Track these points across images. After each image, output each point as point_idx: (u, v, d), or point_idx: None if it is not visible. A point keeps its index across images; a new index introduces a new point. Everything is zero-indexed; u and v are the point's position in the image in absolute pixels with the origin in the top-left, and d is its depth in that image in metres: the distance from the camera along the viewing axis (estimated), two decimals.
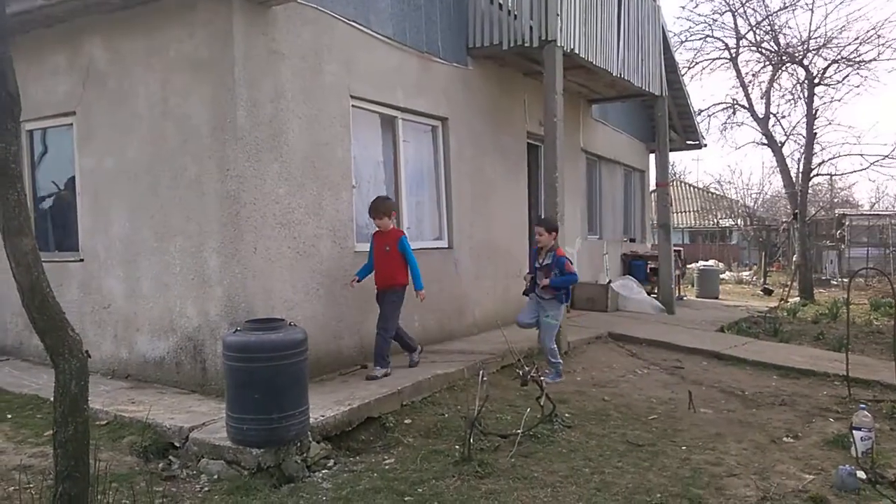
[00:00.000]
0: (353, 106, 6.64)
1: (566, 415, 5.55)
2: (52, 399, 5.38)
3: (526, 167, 9.80)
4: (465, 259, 8.28)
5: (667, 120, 11.93)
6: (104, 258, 6.33)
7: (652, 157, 14.64)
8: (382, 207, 6.19)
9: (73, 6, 5.92)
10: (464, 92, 8.30)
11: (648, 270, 13.15)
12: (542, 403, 5.24)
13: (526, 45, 8.04)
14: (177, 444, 4.67)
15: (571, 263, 6.88)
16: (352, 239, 6.61)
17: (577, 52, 8.32)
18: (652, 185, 14.71)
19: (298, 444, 4.49)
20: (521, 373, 5.24)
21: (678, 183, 36.29)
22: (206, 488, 4.20)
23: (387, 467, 4.55)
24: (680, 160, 43.94)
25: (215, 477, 4.34)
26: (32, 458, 4.47)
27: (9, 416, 5.26)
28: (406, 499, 4.03)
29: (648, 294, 12.27)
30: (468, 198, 8.39)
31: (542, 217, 7.34)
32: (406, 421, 5.33)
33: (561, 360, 6.98)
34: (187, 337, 5.82)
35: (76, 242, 6.59)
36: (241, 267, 5.52)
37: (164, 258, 5.87)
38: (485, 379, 4.90)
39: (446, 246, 8.08)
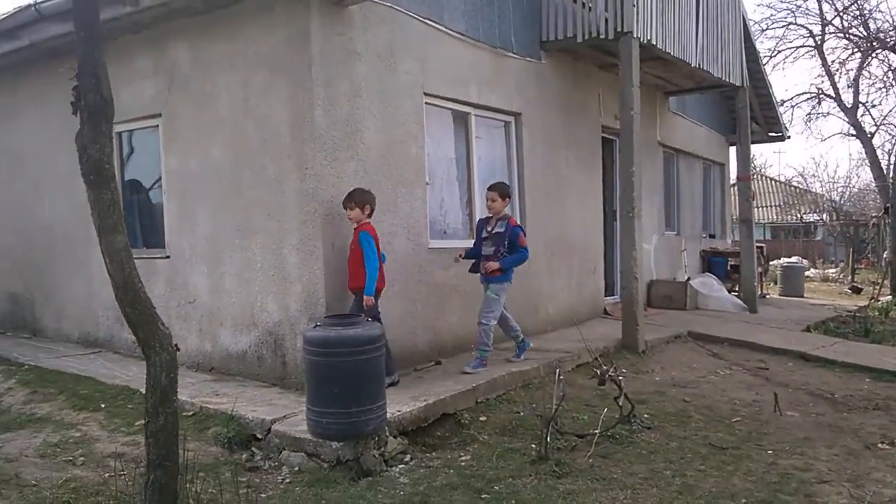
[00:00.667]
0: (426, 103, 6.66)
1: (645, 416, 5.43)
2: (142, 390, 5.62)
3: (601, 162, 9.63)
4: (539, 255, 8.20)
5: (748, 111, 11.51)
6: (189, 255, 6.56)
7: (732, 149, 14.14)
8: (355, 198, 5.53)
9: (157, 12, 6.14)
10: (537, 86, 8.21)
11: (729, 267, 12.73)
12: (620, 403, 5.13)
13: (601, 37, 7.89)
14: (259, 436, 4.79)
15: (525, 236, 6.42)
16: (426, 235, 6.64)
17: (653, 43, 8.11)
18: (732, 178, 14.22)
19: (376, 439, 4.54)
20: (598, 372, 5.15)
21: (759, 176, 35.00)
22: (288, 480, 4.30)
23: (463, 464, 4.55)
24: (760, 153, 42.47)
25: (296, 469, 4.44)
26: (125, 446, 4.67)
27: (102, 405, 5.50)
28: (483, 496, 4.02)
29: (729, 292, 11.88)
30: (541, 193, 8.30)
31: (496, 182, 6.63)
32: (481, 418, 5.32)
33: (491, 349, 6.31)
34: (268, 331, 5.97)
35: (163, 240, 6.84)
36: (318, 264, 5.62)
37: (246, 255, 6.04)
38: (561, 377, 4.83)
39: None
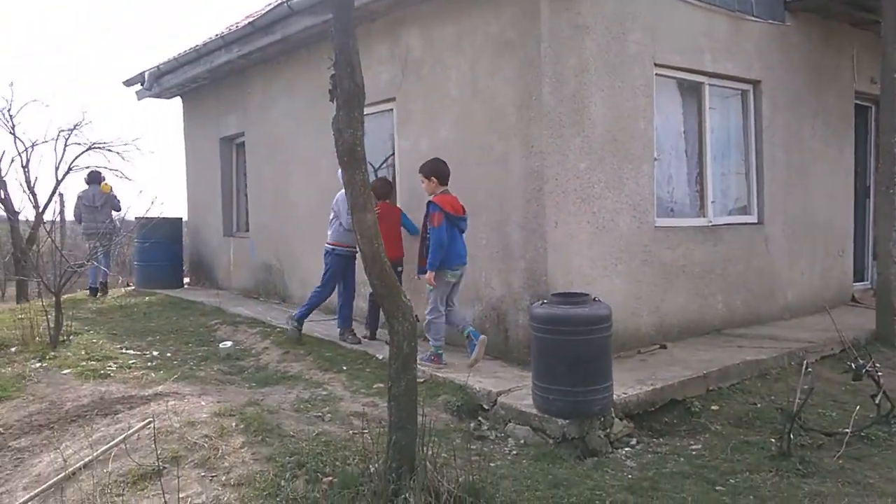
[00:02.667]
0: (656, 75, 6.38)
1: None
2: (377, 356, 6.11)
3: (852, 132, 8.60)
4: (778, 235, 7.56)
5: None
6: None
7: None
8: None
9: (392, 0, 6.48)
10: (779, 51, 7.51)
11: None
12: (877, 402, 4.60)
13: None
14: (486, 407, 4.95)
15: (442, 213, 5.57)
16: (652, 213, 6.39)
17: None
18: None
19: (602, 419, 4.50)
20: (852, 365, 4.65)
21: None
22: (514, 451, 4.40)
23: (693, 453, 4.36)
24: None
25: (521, 441, 4.53)
26: (365, 406, 5.05)
27: (344, 367, 6.00)
28: (717, 488, 3.82)
29: None
30: (781, 168, 7.61)
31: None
32: (713, 407, 5.05)
33: (441, 343, 5.81)
34: (492, 306, 6.12)
35: None
36: (542, 241, 5.65)
37: (472, 232, 6.21)
38: (809, 370, 4.42)
39: (755, 221, 7.43)
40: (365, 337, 6.79)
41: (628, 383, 5.01)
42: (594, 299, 4.56)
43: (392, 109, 7.19)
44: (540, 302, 4.65)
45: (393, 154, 7.34)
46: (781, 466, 4.04)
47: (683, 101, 6.91)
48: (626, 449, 4.49)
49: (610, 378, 4.48)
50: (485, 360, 5.90)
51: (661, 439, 4.68)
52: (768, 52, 7.37)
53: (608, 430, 4.53)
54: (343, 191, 5.57)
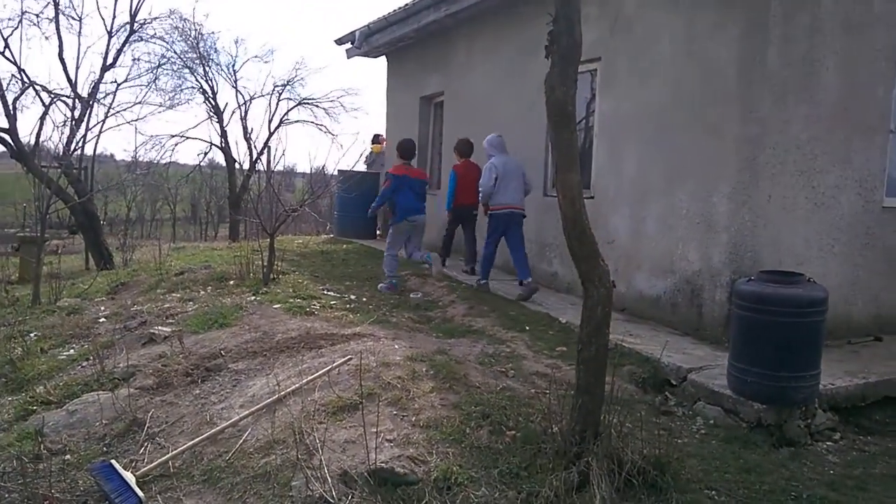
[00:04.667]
0: None
1: None
2: (560, 319, 6.10)
3: None
4: None
5: None
6: (612, 197, 6.73)
7: None
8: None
9: None
10: None
11: None
12: None
13: None
14: (673, 382, 4.78)
15: (389, 179, 7.38)
16: (880, 192, 5.76)
17: None
18: None
19: (803, 409, 4.19)
20: None
21: None
22: (703, 431, 4.22)
23: None
24: None
25: (711, 422, 4.33)
26: (547, 367, 5.06)
27: (527, 328, 6.05)
28: None
29: None
30: None
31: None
32: None
33: (395, 274, 7.53)
34: (685, 280, 5.86)
35: (588, 181, 7.12)
36: (751, 214, 5.28)
37: (671, 200, 5.96)
38: None
39: None
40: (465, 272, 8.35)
41: (836, 374, 4.63)
42: (809, 280, 4.20)
43: (596, 70, 7.00)
44: (746, 279, 4.36)
45: (588, 116, 7.17)
46: None
47: None
48: (828, 443, 4.18)
49: (818, 366, 4.14)
50: (674, 336, 5.70)
51: (869, 437, 4.31)
52: None
53: (809, 421, 4.22)
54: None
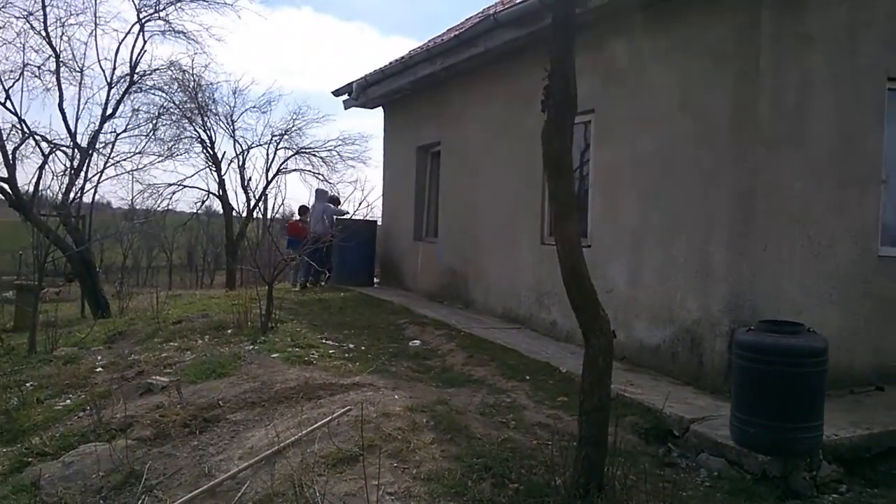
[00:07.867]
0: (888, 89, 5.78)
1: None
2: (561, 368, 6.07)
3: None
4: None
5: None
6: (610, 245, 6.78)
7: None
8: None
9: (602, 11, 6.43)
10: None
11: None
12: None
13: None
14: (676, 433, 4.74)
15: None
16: (875, 241, 5.79)
17: None
18: None
19: (808, 460, 4.15)
20: None
21: None
22: (707, 483, 4.18)
23: None
24: None
25: (715, 474, 4.29)
26: (549, 418, 5.02)
27: (527, 377, 6.01)
28: None
29: None
30: None
31: None
32: None
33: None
34: (685, 329, 5.86)
35: (585, 230, 7.17)
36: (748, 264, 5.32)
37: (669, 249, 6.01)
38: None
39: None
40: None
41: (840, 424, 4.58)
42: (808, 330, 4.21)
43: (590, 121, 7.12)
44: (746, 329, 4.37)
45: (582, 165, 7.28)
46: None
47: None
48: (834, 495, 4.13)
49: (821, 417, 4.12)
50: (675, 386, 5.67)
51: (876, 489, 4.26)
52: None
53: (815, 473, 4.17)
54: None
